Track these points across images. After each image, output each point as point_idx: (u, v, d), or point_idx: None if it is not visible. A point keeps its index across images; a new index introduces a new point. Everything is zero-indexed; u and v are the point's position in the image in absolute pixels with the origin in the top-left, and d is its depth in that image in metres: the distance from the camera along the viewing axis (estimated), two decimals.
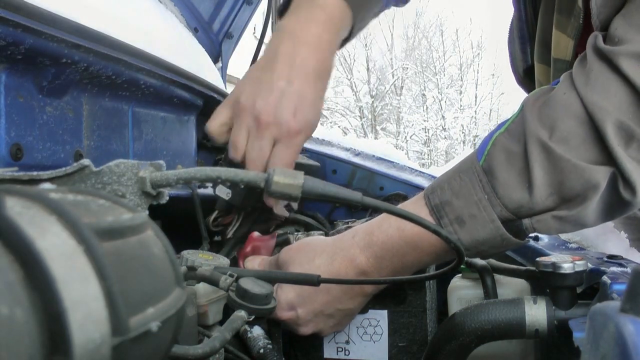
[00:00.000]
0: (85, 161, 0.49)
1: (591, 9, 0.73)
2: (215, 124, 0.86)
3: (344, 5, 0.87)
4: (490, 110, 22.35)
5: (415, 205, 0.74)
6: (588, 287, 0.68)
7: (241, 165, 0.85)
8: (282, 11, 0.92)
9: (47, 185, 0.44)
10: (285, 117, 0.81)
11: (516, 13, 1.15)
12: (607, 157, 0.66)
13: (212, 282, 0.64)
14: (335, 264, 0.77)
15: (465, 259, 0.77)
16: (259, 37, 1.38)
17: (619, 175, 0.67)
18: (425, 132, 21.92)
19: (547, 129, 0.68)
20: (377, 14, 0.98)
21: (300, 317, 0.79)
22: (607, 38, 0.70)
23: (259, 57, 0.90)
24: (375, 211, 1.16)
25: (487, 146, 0.72)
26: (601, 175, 0.66)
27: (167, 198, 0.52)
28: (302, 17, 0.86)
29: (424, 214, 0.73)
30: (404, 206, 0.76)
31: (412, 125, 21.94)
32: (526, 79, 1.18)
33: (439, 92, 21.91)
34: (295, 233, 0.95)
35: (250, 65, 1.23)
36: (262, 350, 0.76)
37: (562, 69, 0.99)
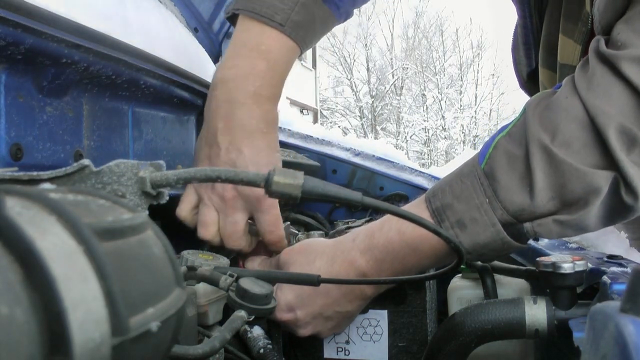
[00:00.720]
0: (85, 161, 0.49)
1: (593, 14, 0.73)
2: (185, 210, 0.84)
3: (289, 44, 0.85)
4: (490, 110, 22.36)
5: (416, 208, 0.74)
6: (588, 287, 0.68)
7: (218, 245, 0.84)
8: (230, 18, 0.89)
9: (47, 185, 0.44)
10: (247, 188, 0.79)
11: (520, 20, 1.15)
12: (609, 161, 0.66)
13: (212, 282, 0.64)
14: (335, 266, 0.77)
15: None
16: None
17: (621, 180, 0.66)
18: (425, 132, 21.93)
19: (549, 132, 0.68)
20: (328, 30, 0.96)
21: (299, 319, 0.79)
22: (610, 42, 0.70)
23: (202, 128, 0.87)
24: (375, 211, 1.16)
25: (488, 149, 0.72)
26: (603, 179, 0.66)
27: (167, 198, 0.52)
28: (240, 70, 0.83)
29: (425, 217, 0.73)
30: (406, 209, 0.76)
31: (412, 125, 21.94)
32: (529, 82, 1.18)
33: (439, 92, 21.92)
34: (295, 233, 0.94)
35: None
36: (262, 350, 0.76)
37: (569, 74, 0.99)
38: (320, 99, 19.60)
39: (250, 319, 0.62)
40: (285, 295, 0.78)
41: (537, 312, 0.66)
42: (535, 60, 1.14)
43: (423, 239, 0.72)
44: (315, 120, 15.97)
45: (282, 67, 0.86)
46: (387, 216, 0.77)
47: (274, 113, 0.86)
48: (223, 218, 0.81)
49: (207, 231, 0.82)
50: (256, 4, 0.84)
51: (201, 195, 0.83)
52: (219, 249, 0.83)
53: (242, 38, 0.86)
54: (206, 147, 0.84)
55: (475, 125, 21.93)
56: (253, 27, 0.85)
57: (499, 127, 0.77)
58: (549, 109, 0.70)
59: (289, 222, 0.93)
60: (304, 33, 0.86)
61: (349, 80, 22.13)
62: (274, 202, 0.82)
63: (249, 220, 0.83)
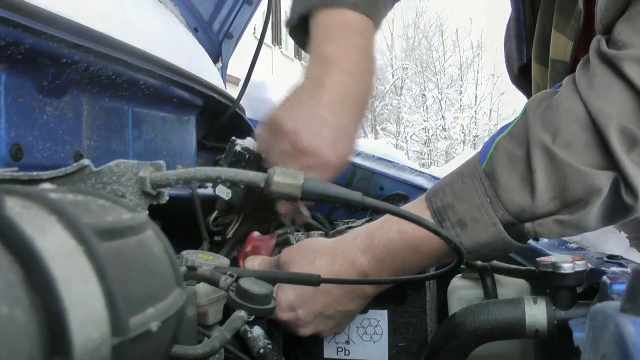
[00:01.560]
0: (85, 161, 0.49)
1: (595, 14, 0.73)
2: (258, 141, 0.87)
3: (366, 20, 0.87)
4: (490, 110, 22.36)
5: (417, 208, 0.74)
6: (588, 287, 0.68)
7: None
8: (294, 26, 0.91)
9: (47, 185, 0.44)
10: (324, 148, 0.82)
11: (514, 13, 1.15)
12: (610, 161, 0.66)
13: (212, 282, 0.64)
14: (336, 265, 0.77)
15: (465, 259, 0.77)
16: (259, 37, 1.38)
17: (622, 180, 0.66)
18: (425, 132, 21.93)
19: (550, 133, 0.68)
20: (390, 8, 0.98)
21: (300, 318, 0.79)
22: (610, 42, 0.70)
23: (301, 81, 0.88)
24: (375, 211, 1.16)
25: (489, 150, 0.72)
26: (604, 179, 0.66)
27: (167, 198, 0.52)
28: (342, 45, 0.86)
29: (426, 216, 0.73)
30: (406, 208, 0.76)
31: (412, 125, 21.95)
32: (520, 78, 1.18)
33: (439, 92, 21.92)
34: (295, 233, 0.94)
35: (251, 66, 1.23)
36: (262, 350, 0.76)
37: (560, 70, 0.99)
38: None
39: (250, 319, 0.62)
40: (286, 294, 0.78)
41: (537, 312, 0.66)
42: (526, 55, 1.14)
43: (424, 239, 0.72)
44: None
45: (371, 43, 0.88)
46: (388, 216, 0.77)
47: (373, 89, 0.89)
48: (284, 164, 0.81)
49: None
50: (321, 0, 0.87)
51: (274, 133, 0.84)
52: (219, 248, 0.83)
53: (328, 23, 0.87)
54: (304, 95, 0.85)
55: (475, 125, 21.93)
56: (332, 14, 0.87)
57: (499, 127, 0.77)
58: (550, 109, 0.70)
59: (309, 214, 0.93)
60: (375, 9, 0.88)
61: None
62: (333, 176, 0.85)
63: None
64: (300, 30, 0.91)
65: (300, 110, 0.84)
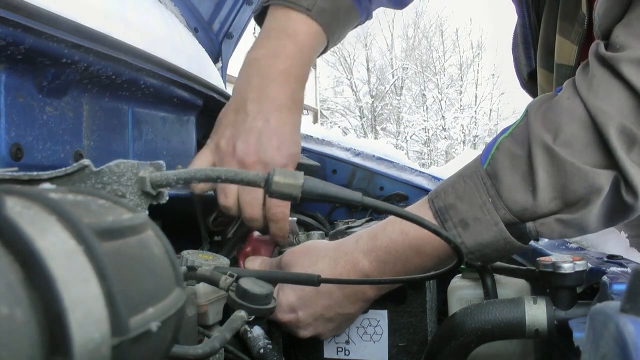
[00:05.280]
0: (85, 161, 0.49)
1: (594, 20, 0.74)
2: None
3: (317, 29, 0.88)
4: (490, 110, 22.36)
5: (419, 209, 0.75)
6: (588, 287, 0.68)
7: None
8: (257, 17, 0.93)
9: (47, 185, 0.44)
10: (270, 155, 0.82)
11: (520, 20, 1.15)
12: (610, 160, 0.67)
13: (212, 282, 0.64)
14: (338, 268, 0.77)
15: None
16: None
17: (622, 179, 0.67)
18: (425, 132, 21.93)
19: (551, 132, 0.69)
20: (353, 28, 0.99)
21: (301, 320, 0.79)
22: (609, 45, 0.71)
23: (230, 100, 0.90)
24: (375, 211, 1.16)
25: (491, 150, 0.72)
26: (604, 178, 0.67)
27: (167, 198, 0.52)
28: (271, 50, 0.87)
29: (428, 217, 0.73)
30: (408, 210, 0.76)
31: (412, 125, 21.94)
32: (530, 82, 1.19)
33: (439, 92, 21.92)
34: (297, 232, 0.95)
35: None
36: (262, 350, 0.76)
37: (566, 75, 1.00)
38: (320, 99, 19.60)
39: (250, 319, 0.62)
40: (287, 296, 0.78)
41: (537, 312, 0.66)
42: (535, 60, 1.14)
43: (426, 240, 0.72)
44: (315, 120, 15.96)
45: (309, 50, 0.89)
46: (390, 218, 0.78)
47: (301, 93, 0.89)
48: (243, 187, 0.82)
49: (228, 199, 0.83)
50: None
51: (220, 160, 0.84)
52: (219, 248, 0.83)
53: (271, 23, 0.89)
54: (232, 114, 0.86)
55: (475, 125, 21.92)
56: (281, 14, 0.88)
57: (499, 127, 0.78)
58: (551, 110, 0.71)
59: (295, 219, 0.93)
60: (329, 19, 0.89)
61: (349, 80, 22.13)
62: None
63: None
64: (262, 18, 0.92)
65: (233, 128, 0.85)
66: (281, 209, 0.84)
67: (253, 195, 0.82)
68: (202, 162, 0.86)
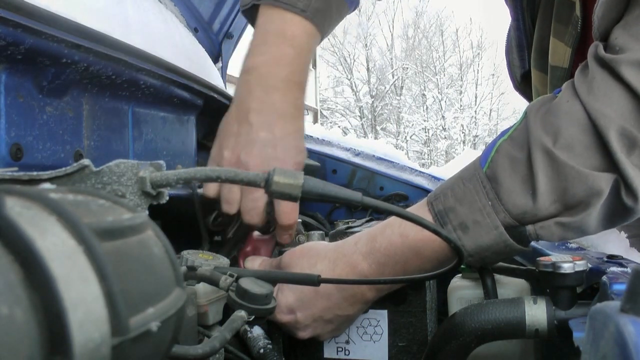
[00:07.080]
0: (85, 161, 0.49)
1: (593, 22, 0.74)
2: (212, 187, 0.88)
3: (312, 30, 0.88)
4: (490, 110, 22.34)
5: (418, 212, 0.74)
6: (588, 287, 0.68)
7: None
8: (245, 12, 0.92)
9: (47, 185, 0.44)
10: (275, 165, 0.82)
11: (514, 22, 1.16)
12: (610, 163, 0.67)
13: (212, 282, 0.64)
14: (337, 269, 0.77)
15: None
16: None
17: (622, 182, 0.67)
18: (425, 132, 21.93)
19: (551, 135, 0.68)
20: (342, 19, 0.98)
21: (299, 321, 0.79)
22: (608, 47, 0.71)
23: (230, 108, 0.90)
24: (375, 211, 1.16)
25: (490, 153, 0.72)
26: (604, 181, 0.67)
27: (167, 198, 0.52)
28: (271, 56, 0.86)
29: (428, 220, 0.73)
30: None
31: (412, 125, 21.94)
32: (523, 84, 1.19)
33: (439, 92, 21.92)
34: (301, 232, 0.95)
35: None
36: (262, 350, 0.76)
37: (560, 77, 1.00)
38: (320, 99, 19.61)
39: (250, 319, 0.62)
40: (286, 297, 0.78)
41: (537, 312, 0.66)
42: (528, 62, 1.15)
43: (425, 242, 0.72)
44: (315, 120, 15.97)
45: (306, 53, 0.89)
46: (390, 220, 0.77)
47: (302, 99, 0.89)
48: (245, 195, 0.85)
49: (231, 207, 0.85)
50: None
51: None
52: (219, 248, 0.83)
53: (267, 26, 0.88)
54: (235, 125, 0.86)
55: (475, 125, 21.91)
56: (276, 15, 0.87)
57: (499, 127, 0.78)
58: (551, 112, 0.70)
59: (300, 220, 0.93)
60: (323, 19, 0.89)
61: (349, 80, 22.13)
62: None
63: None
64: (252, 12, 0.91)
65: (237, 138, 0.85)
66: (292, 216, 0.85)
67: (254, 204, 0.84)
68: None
